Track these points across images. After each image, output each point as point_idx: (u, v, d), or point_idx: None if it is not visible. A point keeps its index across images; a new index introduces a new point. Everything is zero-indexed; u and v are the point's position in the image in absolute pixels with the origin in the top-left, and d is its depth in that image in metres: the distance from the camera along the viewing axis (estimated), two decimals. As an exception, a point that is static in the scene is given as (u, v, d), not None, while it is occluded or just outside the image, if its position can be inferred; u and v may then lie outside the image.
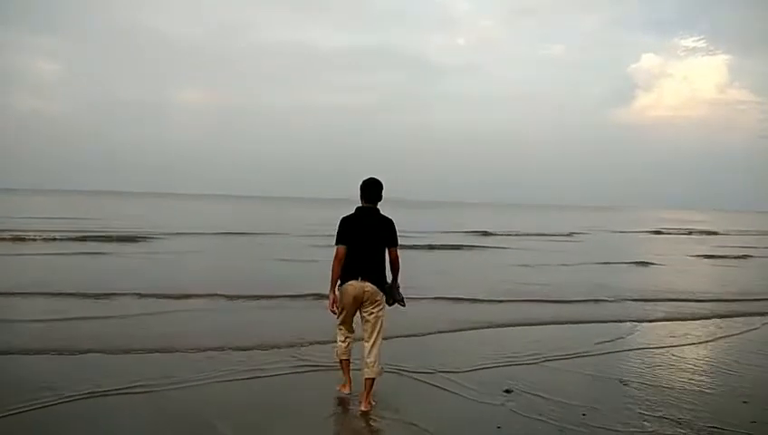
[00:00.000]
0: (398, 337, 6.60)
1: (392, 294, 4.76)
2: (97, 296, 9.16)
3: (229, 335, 6.87)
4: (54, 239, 19.42)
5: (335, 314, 4.76)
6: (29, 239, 19.10)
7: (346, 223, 4.68)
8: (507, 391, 5.09)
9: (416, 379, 5.43)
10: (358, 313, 4.71)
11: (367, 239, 4.62)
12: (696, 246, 26.47)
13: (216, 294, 9.50)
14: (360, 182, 4.77)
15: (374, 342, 4.63)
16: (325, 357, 5.77)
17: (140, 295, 9.24)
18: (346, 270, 4.61)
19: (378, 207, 4.75)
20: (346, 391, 4.90)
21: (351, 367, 4.94)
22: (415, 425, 4.31)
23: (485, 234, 30.18)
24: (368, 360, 4.60)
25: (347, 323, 4.81)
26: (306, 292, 9.67)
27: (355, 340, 4.87)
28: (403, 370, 5.62)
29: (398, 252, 4.68)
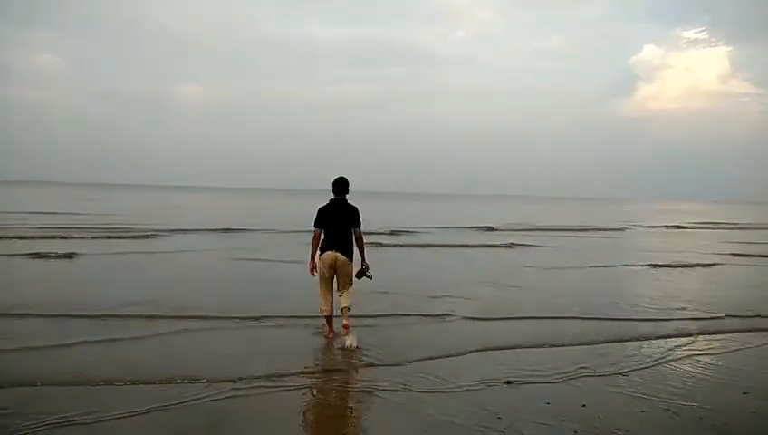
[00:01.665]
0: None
1: (360, 270, 6.58)
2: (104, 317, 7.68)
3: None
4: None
5: (314, 276, 6.58)
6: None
7: (322, 211, 6.51)
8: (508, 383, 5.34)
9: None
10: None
11: (337, 223, 6.43)
12: (733, 244, 24.93)
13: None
14: (332, 180, 6.54)
15: (345, 289, 6.51)
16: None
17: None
18: (324, 245, 6.43)
19: (345, 197, 6.57)
20: (331, 336, 6.63)
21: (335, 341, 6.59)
22: None
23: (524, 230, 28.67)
24: (341, 298, 6.47)
25: (326, 286, 6.50)
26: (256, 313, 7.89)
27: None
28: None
29: (362, 233, 6.54)
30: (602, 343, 7.08)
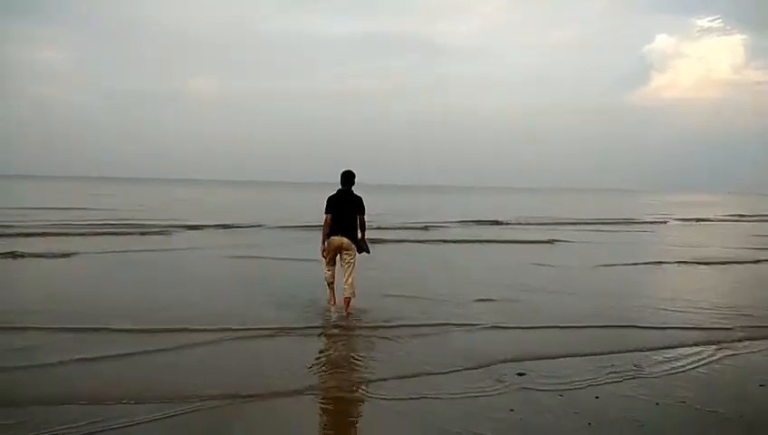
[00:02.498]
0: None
1: (360, 247, 7.59)
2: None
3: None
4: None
5: (324, 258, 7.60)
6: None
7: (331, 199, 7.54)
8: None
9: None
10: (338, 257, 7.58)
11: (344, 210, 7.48)
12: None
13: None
14: (341, 173, 7.62)
15: (350, 275, 7.45)
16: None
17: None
18: (332, 229, 7.44)
19: (352, 188, 7.59)
20: (332, 303, 7.68)
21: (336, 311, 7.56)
22: None
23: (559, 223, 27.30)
24: (345, 287, 7.42)
25: (330, 262, 7.61)
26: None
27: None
28: None
29: (366, 218, 7.62)
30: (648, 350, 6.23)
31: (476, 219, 27.93)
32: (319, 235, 7.78)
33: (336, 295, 7.74)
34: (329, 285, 7.69)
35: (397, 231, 21.26)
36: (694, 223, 32.66)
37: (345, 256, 7.48)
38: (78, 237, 16.61)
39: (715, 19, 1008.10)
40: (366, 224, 7.66)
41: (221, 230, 20.39)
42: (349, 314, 7.36)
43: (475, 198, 68.97)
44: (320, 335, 6.76)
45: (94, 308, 7.68)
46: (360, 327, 7.05)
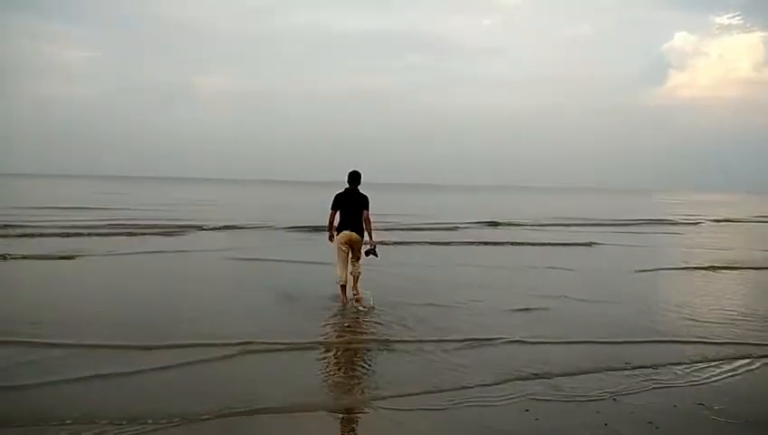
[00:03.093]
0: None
1: (369, 250, 8.02)
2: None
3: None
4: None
5: (332, 242, 8.13)
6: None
7: (338, 197, 8.06)
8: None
9: None
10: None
11: (351, 207, 7.98)
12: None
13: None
14: (348, 172, 8.12)
15: (358, 262, 8.08)
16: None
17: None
18: (340, 225, 7.99)
19: (358, 188, 8.08)
20: (344, 301, 7.93)
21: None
22: None
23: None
24: (353, 269, 8.04)
25: (342, 261, 7.97)
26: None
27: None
28: None
29: (371, 216, 8.00)
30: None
31: (507, 220, 26.61)
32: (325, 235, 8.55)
33: (339, 298, 8.03)
34: (341, 286, 8.01)
35: (424, 232, 20.26)
36: (727, 223, 31.24)
37: (356, 249, 8.09)
38: (106, 238, 15.87)
39: (735, 16, 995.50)
40: (371, 222, 8.08)
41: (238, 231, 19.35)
42: (358, 296, 8.02)
43: (496, 198, 67.94)
44: (341, 350, 6.18)
45: (93, 319, 6.87)
46: (391, 341, 6.35)
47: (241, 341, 5.97)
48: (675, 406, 4.58)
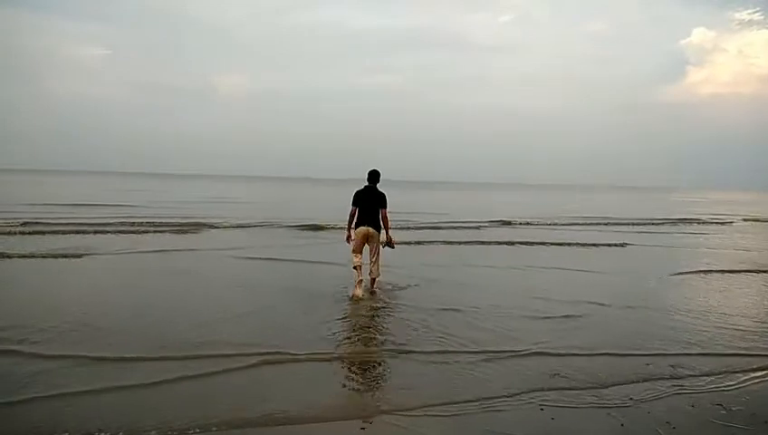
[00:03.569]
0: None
1: (386, 243, 8.50)
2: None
3: None
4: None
5: (349, 244, 8.48)
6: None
7: (357, 194, 8.45)
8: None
9: None
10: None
11: (369, 204, 8.37)
12: None
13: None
14: (367, 171, 8.51)
15: (376, 260, 8.43)
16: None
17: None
18: (358, 221, 8.37)
19: (377, 186, 8.47)
20: (360, 279, 8.17)
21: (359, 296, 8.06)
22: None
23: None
24: (372, 269, 8.41)
25: (358, 250, 8.35)
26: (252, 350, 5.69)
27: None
28: None
29: (388, 213, 8.42)
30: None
31: (532, 219, 25.80)
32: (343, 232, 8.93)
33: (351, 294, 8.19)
34: (356, 268, 8.27)
35: (443, 230, 19.57)
36: (756, 223, 30.09)
37: (372, 244, 8.42)
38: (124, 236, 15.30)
39: (755, 11, 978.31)
40: (388, 218, 8.49)
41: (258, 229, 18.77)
42: (374, 291, 8.44)
43: (513, 196, 67.09)
44: (359, 359, 5.71)
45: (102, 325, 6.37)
46: (409, 351, 5.89)
47: (258, 351, 5.59)
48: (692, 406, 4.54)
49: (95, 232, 15.95)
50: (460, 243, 16.22)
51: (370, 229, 8.30)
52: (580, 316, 7.53)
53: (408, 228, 19.14)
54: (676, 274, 11.41)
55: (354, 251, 8.35)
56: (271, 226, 19.59)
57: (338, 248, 11.43)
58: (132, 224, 18.40)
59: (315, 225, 19.25)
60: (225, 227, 18.62)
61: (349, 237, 8.47)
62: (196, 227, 18.18)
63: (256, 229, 18.66)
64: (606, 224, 25.17)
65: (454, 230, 20.14)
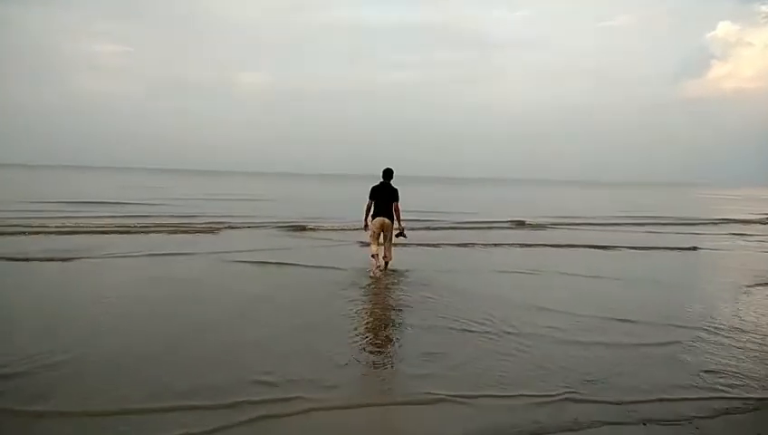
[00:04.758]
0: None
1: (399, 233, 9.53)
2: None
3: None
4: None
5: (366, 230, 9.59)
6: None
7: (374, 189, 9.52)
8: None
9: None
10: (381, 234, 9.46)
11: (384, 198, 9.44)
12: None
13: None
14: (383, 169, 9.64)
15: (389, 247, 9.54)
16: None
17: None
18: (374, 213, 9.42)
19: (390, 182, 9.54)
20: (376, 265, 9.21)
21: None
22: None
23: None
24: (386, 253, 9.51)
25: (374, 238, 9.36)
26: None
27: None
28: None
29: (400, 206, 9.52)
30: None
31: (581, 219, 23.87)
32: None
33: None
34: (374, 256, 9.30)
35: (476, 231, 17.76)
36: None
37: (386, 233, 9.47)
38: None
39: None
40: (400, 210, 9.54)
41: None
42: (387, 272, 9.34)
43: (542, 193, 64.72)
44: (393, 409, 4.35)
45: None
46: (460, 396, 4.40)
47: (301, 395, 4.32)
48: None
49: (102, 232, 14.62)
50: (510, 245, 14.47)
51: (385, 220, 9.41)
52: (678, 342, 5.93)
53: (480, 227, 17.28)
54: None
55: (372, 238, 9.44)
56: (286, 226, 17.91)
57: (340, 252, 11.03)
58: (144, 226, 16.87)
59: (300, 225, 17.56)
60: (243, 228, 17.06)
61: (366, 226, 9.58)
62: (215, 227, 16.63)
63: (273, 230, 16.98)
64: (659, 224, 23.10)
65: (488, 230, 18.35)
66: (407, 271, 9.52)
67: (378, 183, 9.55)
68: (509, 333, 6.07)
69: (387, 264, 9.50)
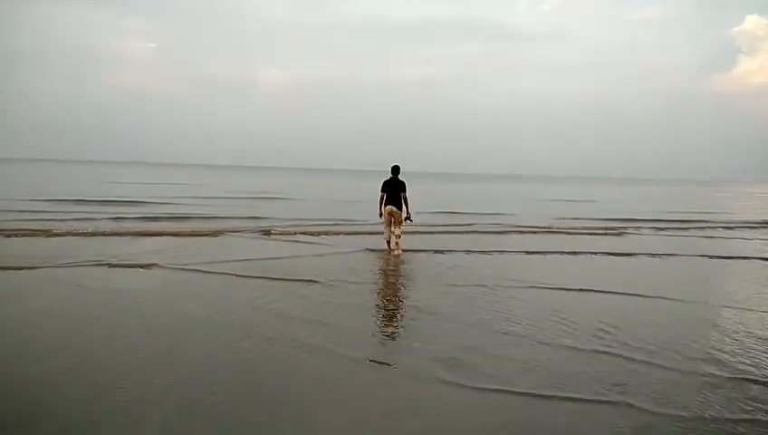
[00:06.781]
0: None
1: (406, 217, 11.20)
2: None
3: None
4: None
5: (380, 218, 11.49)
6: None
7: (385, 183, 11.34)
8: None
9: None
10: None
11: (393, 189, 11.24)
12: None
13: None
14: (391, 165, 11.48)
15: (399, 232, 11.19)
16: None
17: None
18: (386, 202, 11.20)
19: (399, 175, 11.39)
20: (390, 251, 11.21)
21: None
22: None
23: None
24: (396, 230, 11.21)
25: (387, 223, 11.30)
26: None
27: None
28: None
29: (408, 195, 11.28)
30: None
31: (658, 222, 21.49)
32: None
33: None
34: (388, 242, 11.44)
35: (516, 235, 15.86)
36: None
37: (396, 221, 11.26)
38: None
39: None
40: (408, 199, 11.30)
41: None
42: (398, 254, 11.07)
43: (568, 190, 62.01)
44: None
45: None
46: None
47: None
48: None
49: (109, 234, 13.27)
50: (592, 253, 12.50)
51: (394, 208, 11.18)
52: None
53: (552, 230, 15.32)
54: None
55: (385, 225, 11.45)
56: (312, 231, 16.19)
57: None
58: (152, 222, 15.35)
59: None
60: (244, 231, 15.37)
61: (381, 214, 11.41)
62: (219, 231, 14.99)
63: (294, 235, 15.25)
64: (724, 228, 20.58)
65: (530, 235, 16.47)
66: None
67: (388, 178, 11.44)
68: None
69: (397, 244, 11.21)
